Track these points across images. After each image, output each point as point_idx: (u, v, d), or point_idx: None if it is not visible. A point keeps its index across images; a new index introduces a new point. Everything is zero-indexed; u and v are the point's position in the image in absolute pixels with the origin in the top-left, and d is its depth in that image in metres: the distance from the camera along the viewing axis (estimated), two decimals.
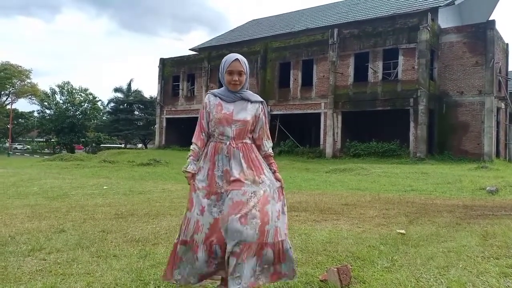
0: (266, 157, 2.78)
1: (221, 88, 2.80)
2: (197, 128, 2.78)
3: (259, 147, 2.78)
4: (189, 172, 2.65)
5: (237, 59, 2.67)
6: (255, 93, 2.82)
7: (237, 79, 2.66)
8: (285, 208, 2.69)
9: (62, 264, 3.38)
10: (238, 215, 2.44)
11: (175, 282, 2.64)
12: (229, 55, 2.74)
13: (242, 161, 2.63)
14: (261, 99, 2.82)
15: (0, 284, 2.90)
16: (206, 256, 2.54)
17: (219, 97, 2.72)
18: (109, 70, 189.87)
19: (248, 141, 2.72)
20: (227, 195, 2.55)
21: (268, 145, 2.82)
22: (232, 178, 2.57)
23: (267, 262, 2.55)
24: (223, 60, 2.73)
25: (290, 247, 2.64)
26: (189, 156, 2.70)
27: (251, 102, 2.74)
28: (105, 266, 3.34)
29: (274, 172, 2.75)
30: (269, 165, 2.77)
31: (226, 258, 2.44)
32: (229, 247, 2.42)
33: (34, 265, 3.35)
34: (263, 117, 2.81)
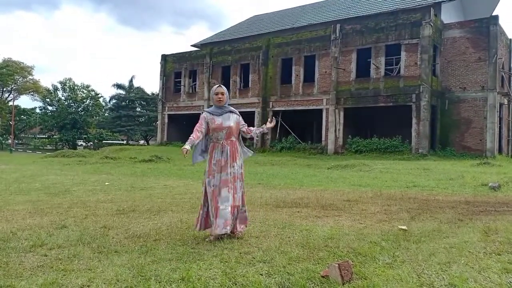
0: (253, 130, 4.48)
1: (211, 107, 4.35)
2: (196, 127, 4.19)
3: (250, 132, 4.43)
4: (185, 148, 3.95)
5: (219, 86, 4.33)
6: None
7: (220, 96, 4.26)
8: (243, 184, 4.39)
9: (63, 260, 3.38)
10: (226, 188, 4.13)
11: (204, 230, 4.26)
12: (214, 86, 4.39)
13: (228, 153, 4.19)
14: (237, 112, 4.41)
15: (1, 280, 2.90)
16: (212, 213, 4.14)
17: (212, 114, 4.26)
18: (110, 66, 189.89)
19: (233, 139, 4.27)
20: (220, 175, 4.14)
21: (252, 129, 4.49)
22: (222, 164, 4.16)
23: (236, 218, 4.19)
24: (211, 89, 4.38)
25: (245, 210, 4.38)
26: (187, 141, 4.07)
27: (233, 113, 4.31)
28: (107, 262, 3.34)
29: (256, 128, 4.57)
30: (255, 129, 4.53)
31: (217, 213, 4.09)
32: (222, 207, 4.08)
33: (36, 261, 3.36)
34: (242, 121, 4.42)
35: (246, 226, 4.40)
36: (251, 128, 4.50)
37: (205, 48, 34.14)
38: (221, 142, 4.18)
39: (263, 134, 28.38)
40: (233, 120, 4.26)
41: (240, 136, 4.46)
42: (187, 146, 4.00)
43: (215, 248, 3.79)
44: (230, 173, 4.14)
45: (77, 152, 28.05)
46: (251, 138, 4.62)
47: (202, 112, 4.34)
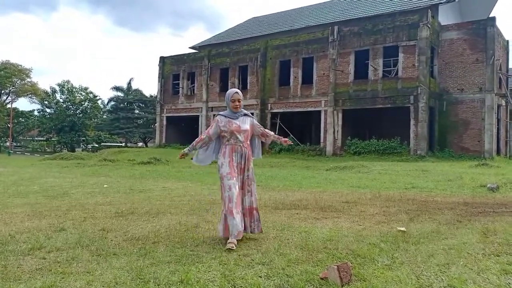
0: (271, 136, 4.47)
1: (226, 111, 4.31)
2: (204, 132, 4.28)
3: (268, 136, 4.44)
4: (183, 151, 4.29)
5: (236, 92, 4.26)
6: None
7: (237, 104, 4.22)
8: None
9: (62, 263, 3.37)
10: (246, 190, 4.21)
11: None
12: (230, 90, 4.32)
13: (247, 156, 4.23)
14: (250, 114, 4.43)
15: (0, 283, 2.89)
16: (239, 218, 3.99)
17: (228, 117, 4.22)
18: (108, 68, 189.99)
19: (249, 142, 4.30)
20: (241, 177, 4.19)
21: (270, 131, 4.51)
22: (242, 167, 4.19)
23: (256, 220, 4.26)
24: (227, 93, 4.30)
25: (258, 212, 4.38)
26: (190, 145, 4.29)
27: (248, 117, 4.31)
28: (105, 264, 3.33)
29: (273, 135, 4.51)
30: (278, 138, 4.49)
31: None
32: (241, 209, 4.12)
33: (34, 264, 3.35)
34: (257, 123, 4.42)
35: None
36: (268, 132, 4.46)
37: (203, 50, 34.16)
38: (240, 145, 4.18)
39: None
40: (248, 123, 4.27)
41: (255, 138, 4.44)
42: (186, 150, 4.25)
43: (214, 250, 3.79)
44: (248, 176, 4.22)
45: (75, 154, 28.01)
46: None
47: (216, 115, 4.33)
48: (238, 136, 4.17)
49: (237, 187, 4.08)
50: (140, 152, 30.24)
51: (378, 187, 9.89)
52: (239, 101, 4.22)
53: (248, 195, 4.21)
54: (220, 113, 4.31)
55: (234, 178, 4.09)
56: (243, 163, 4.19)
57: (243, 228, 4.06)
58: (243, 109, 4.32)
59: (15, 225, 4.93)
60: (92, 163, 20.05)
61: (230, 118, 4.21)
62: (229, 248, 3.76)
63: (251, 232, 4.23)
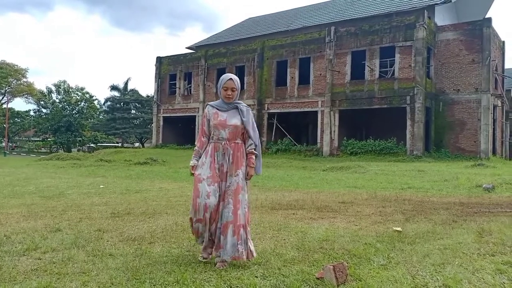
0: (248, 153, 3.53)
1: (218, 100, 3.58)
2: (199, 132, 3.58)
3: (247, 145, 3.54)
4: (191, 165, 3.49)
5: (231, 79, 3.48)
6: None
7: (230, 93, 3.46)
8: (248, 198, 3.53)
9: (57, 264, 3.36)
10: (223, 202, 3.38)
11: (199, 244, 3.54)
12: (225, 75, 3.56)
13: (230, 158, 3.43)
14: (249, 109, 3.59)
15: None
16: (214, 228, 3.40)
17: (216, 108, 3.51)
18: (104, 68, 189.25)
19: (239, 141, 3.49)
20: (223, 184, 3.41)
21: (248, 143, 3.53)
22: (224, 171, 3.42)
23: (244, 241, 3.33)
24: (220, 78, 3.53)
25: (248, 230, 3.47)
26: (193, 154, 3.54)
27: (242, 111, 3.49)
28: (101, 265, 3.32)
29: (250, 167, 3.52)
30: (248, 160, 3.52)
31: (216, 233, 3.40)
32: (218, 225, 3.39)
33: (29, 265, 3.33)
34: (250, 122, 3.52)
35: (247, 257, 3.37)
36: (249, 144, 3.52)
37: (200, 51, 34.12)
38: (223, 143, 3.43)
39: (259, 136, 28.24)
40: (241, 118, 3.48)
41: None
42: (193, 161, 3.49)
43: None
44: (230, 183, 3.40)
45: (71, 155, 27.92)
46: None
47: (206, 106, 3.64)
48: (222, 131, 3.43)
49: (217, 195, 3.37)
50: (136, 152, 30.17)
51: (375, 187, 9.92)
52: (232, 90, 3.46)
53: (228, 207, 3.36)
54: (210, 103, 3.62)
55: (216, 184, 3.38)
56: (225, 166, 3.42)
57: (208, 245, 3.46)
58: (241, 102, 3.57)
59: (11, 226, 4.91)
60: (88, 164, 19.99)
61: (219, 109, 3.49)
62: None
63: (234, 258, 3.29)
